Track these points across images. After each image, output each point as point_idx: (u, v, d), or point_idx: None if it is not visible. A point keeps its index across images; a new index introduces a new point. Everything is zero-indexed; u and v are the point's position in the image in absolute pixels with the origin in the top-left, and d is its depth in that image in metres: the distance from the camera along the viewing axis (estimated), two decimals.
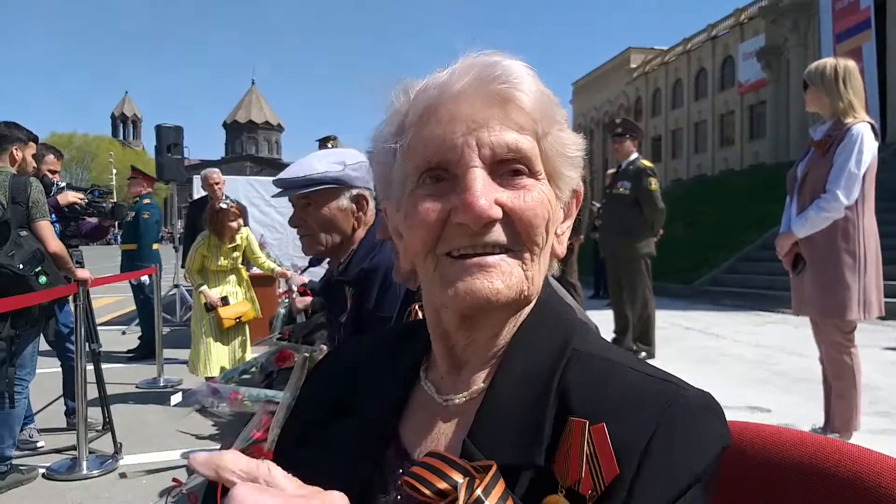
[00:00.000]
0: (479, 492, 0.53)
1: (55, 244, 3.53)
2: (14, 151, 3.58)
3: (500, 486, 0.54)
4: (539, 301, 0.67)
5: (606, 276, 6.93)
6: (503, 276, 0.61)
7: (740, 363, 5.71)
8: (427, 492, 0.55)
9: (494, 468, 0.55)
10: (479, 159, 0.60)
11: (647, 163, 5.95)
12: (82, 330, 3.70)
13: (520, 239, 0.62)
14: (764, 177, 16.59)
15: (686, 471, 0.55)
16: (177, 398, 2.62)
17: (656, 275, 6.38)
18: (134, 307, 7.32)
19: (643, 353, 5.87)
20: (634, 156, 5.92)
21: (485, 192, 0.59)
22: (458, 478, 0.55)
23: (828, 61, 3.26)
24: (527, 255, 0.62)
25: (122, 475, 3.53)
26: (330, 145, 9.92)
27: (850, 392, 3.21)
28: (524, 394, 0.61)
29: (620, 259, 5.94)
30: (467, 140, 0.60)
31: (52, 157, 4.53)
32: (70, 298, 3.88)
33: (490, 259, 0.61)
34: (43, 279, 3.39)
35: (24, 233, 3.39)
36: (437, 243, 0.62)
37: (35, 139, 3.80)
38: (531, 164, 0.62)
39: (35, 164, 3.90)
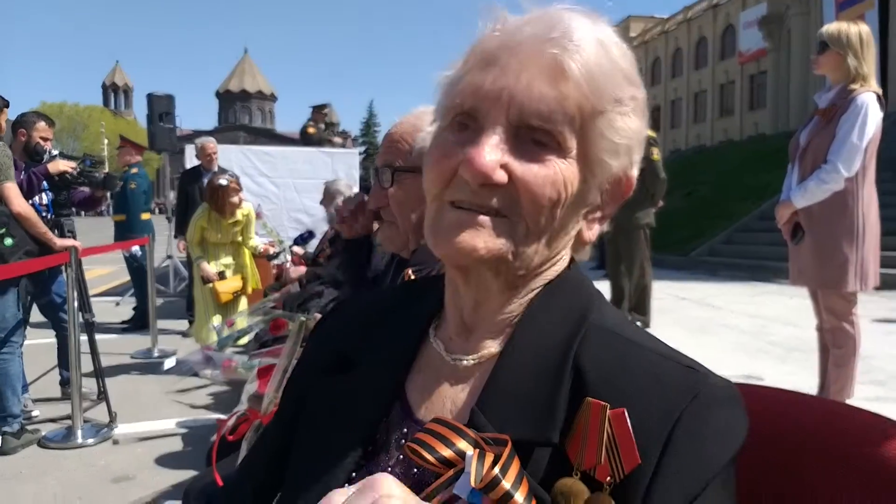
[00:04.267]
0: (496, 471, 0.50)
1: (18, 205, 3.48)
2: None
3: (515, 465, 0.52)
4: (559, 275, 0.65)
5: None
6: (485, 238, 0.58)
7: (736, 333, 5.74)
8: (431, 458, 0.53)
9: (510, 446, 0.53)
10: (506, 118, 0.57)
11: (649, 132, 5.85)
12: (75, 300, 3.67)
13: (519, 210, 0.58)
14: (763, 147, 16.50)
15: (713, 463, 0.53)
16: (170, 362, 2.63)
17: (654, 245, 6.36)
18: (128, 278, 7.29)
19: (638, 323, 5.88)
20: None
21: (492, 153, 0.57)
22: (466, 447, 0.53)
23: (850, 25, 3.15)
24: (521, 228, 0.59)
25: (116, 442, 3.55)
26: (325, 112, 9.82)
27: (849, 360, 3.22)
28: (538, 365, 0.59)
29: (620, 229, 5.90)
30: (501, 95, 0.57)
31: (43, 124, 4.44)
32: (62, 268, 3.85)
33: (480, 217, 0.58)
34: (8, 241, 3.38)
35: None
36: (445, 190, 0.60)
37: (7, 104, 3.75)
38: (560, 139, 0.58)
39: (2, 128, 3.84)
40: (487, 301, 0.64)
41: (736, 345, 5.29)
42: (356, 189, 5.53)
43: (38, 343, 4.69)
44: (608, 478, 0.52)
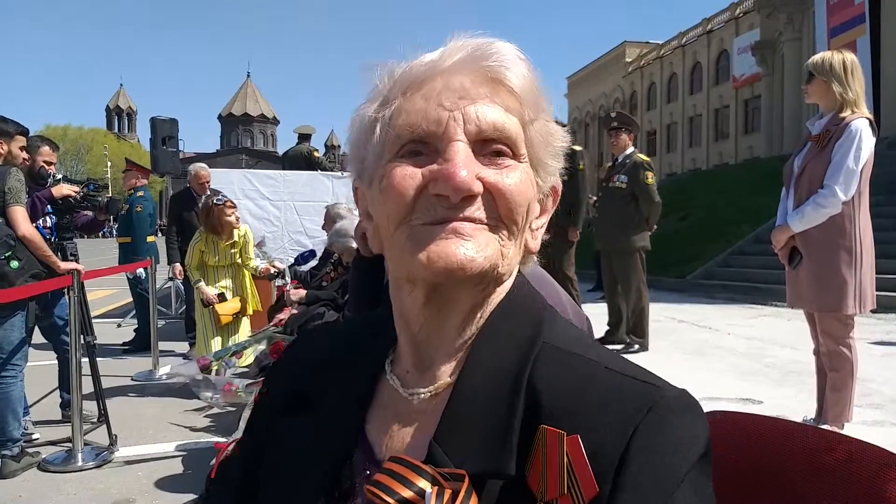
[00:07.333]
0: None
1: (25, 228, 3.52)
2: None
3: (473, 501, 0.52)
4: (508, 292, 0.64)
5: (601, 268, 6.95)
6: (478, 246, 0.57)
7: (733, 356, 5.74)
8: (391, 501, 0.53)
9: (467, 481, 0.53)
10: (464, 134, 0.58)
11: (643, 157, 5.97)
12: (76, 322, 3.69)
13: (498, 215, 0.59)
14: (758, 171, 16.62)
15: (672, 474, 0.52)
16: (165, 369, 2.63)
17: (650, 268, 6.40)
18: (129, 300, 7.31)
19: (636, 346, 5.91)
20: (631, 149, 5.94)
21: (467, 165, 0.57)
22: (425, 485, 0.53)
23: (833, 53, 3.23)
24: (504, 232, 0.59)
25: (109, 465, 3.52)
26: (310, 136, 9.91)
27: (847, 384, 3.23)
28: (492, 391, 0.58)
29: (616, 252, 5.96)
30: (453, 114, 0.58)
31: (47, 148, 4.51)
32: (65, 290, 3.88)
33: (467, 226, 0.57)
34: (14, 264, 3.40)
35: None
36: (411, 214, 0.58)
37: (24, 132, 3.82)
38: (515, 146, 0.60)
39: (25, 157, 3.91)
40: (446, 325, 0.62)
41: (733, 367, 5.29)
42: (356, 212, 5.56)
43: (39, 365, 4.69)
44: None
